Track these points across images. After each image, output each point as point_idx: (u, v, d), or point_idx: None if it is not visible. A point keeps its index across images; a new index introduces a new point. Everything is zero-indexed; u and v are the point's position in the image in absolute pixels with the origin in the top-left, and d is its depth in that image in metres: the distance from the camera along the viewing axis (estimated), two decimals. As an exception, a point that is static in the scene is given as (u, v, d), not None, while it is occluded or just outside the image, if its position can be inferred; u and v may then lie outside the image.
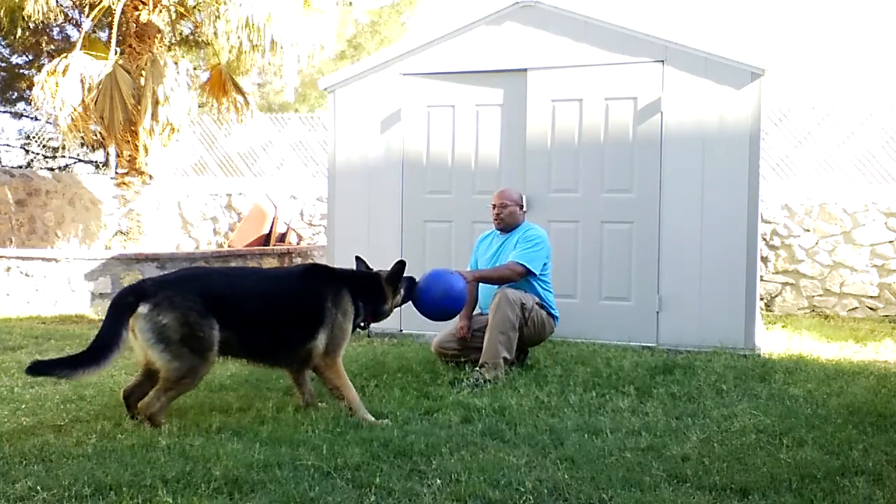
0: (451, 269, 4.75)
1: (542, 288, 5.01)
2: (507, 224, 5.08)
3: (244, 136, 11.49)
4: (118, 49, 9.36)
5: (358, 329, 4.08)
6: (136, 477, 2.91)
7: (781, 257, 8.49)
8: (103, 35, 10.72)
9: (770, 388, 4.47)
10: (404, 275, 4.20)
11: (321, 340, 3.78)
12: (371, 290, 4.10)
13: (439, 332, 5.15)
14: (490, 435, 3.53)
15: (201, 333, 3.49)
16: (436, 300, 4.32)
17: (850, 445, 3.33)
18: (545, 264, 4.98)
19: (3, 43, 13.66)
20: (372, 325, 4.17)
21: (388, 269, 4.17)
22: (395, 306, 4.23)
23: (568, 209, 6.23)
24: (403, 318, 6.58)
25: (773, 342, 6.25)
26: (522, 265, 4.83)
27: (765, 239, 8.44)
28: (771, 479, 2.93)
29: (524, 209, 5.18)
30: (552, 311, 5.04)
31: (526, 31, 6.28)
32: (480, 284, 4.98)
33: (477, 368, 4.63)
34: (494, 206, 5.09)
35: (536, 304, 4.90)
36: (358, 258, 4.40)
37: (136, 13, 9.25)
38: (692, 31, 7.30)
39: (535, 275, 4.86)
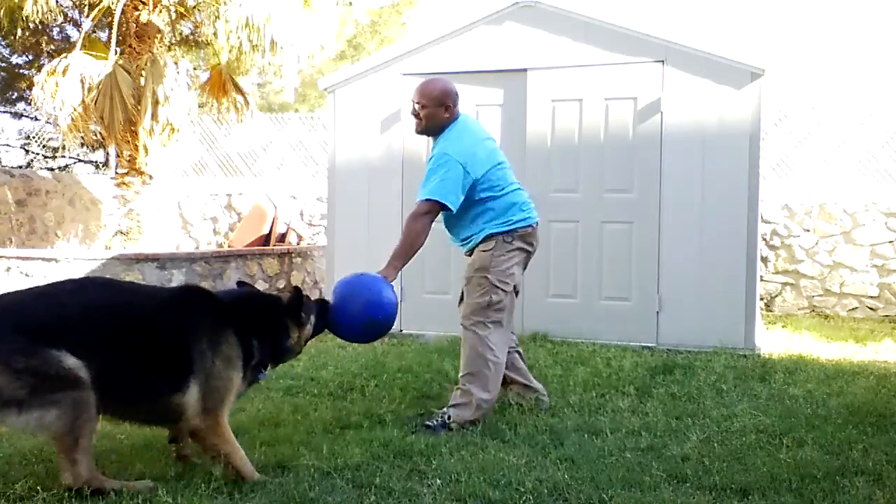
0: (363, 273, 3.66)
1: (492, 202, 3.87)
2: (426, 128, 4.01)
3: (244, 136, 11.48)
4: (118, 49, 9.35)
5: (255, 382, 3.18)
6: (137, 477, 2.92)
7: (781, 257, 8.49)
8: (103, 35, 10.70)
9: (770, 388, 4.47)
10: (310, 301, 3.33)
11: (192, 395, 2.84)
12: (268, 322, 3.13)
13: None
14: (490, 435, 3.54)
15: (52, 370, 2.64)
16: (360, 318, 3.39)
17: (850, 445, 3.33)
18: (480, 178, 3.82)
19: (3, 43, 13.66)
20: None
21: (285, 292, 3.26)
22: (305, 340, 3.29)
23: (568, 209, 6.22)
24: (403, 318, 6.58)
25: (773, 342, 6.25)
26: (430, 202, 3.75)
27: (765, 239, 8.43)
28: (771, 479, 2.93)
29: (451, 106, 3.96)
30: (509, 227, 3.88)
31: (526, 31, 6.28)
32: (442, 217, 3.92)
33: (446, 408, 3.81)
34: (413, 102, 4.00)
35: (491, 257, 3.83)
36: (240, 283, 3.47)
37: (136, 13, 9.24)
38: (692, 31, 7.30)
39: (450, 210, 3.77)
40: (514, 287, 3.92)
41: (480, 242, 3.89)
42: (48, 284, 3.07)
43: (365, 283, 3.50)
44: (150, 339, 2.87)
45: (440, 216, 3.88)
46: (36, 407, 2.62)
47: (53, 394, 2.63)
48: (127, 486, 2.77)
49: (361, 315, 3.39)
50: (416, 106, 3.97)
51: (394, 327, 6.67)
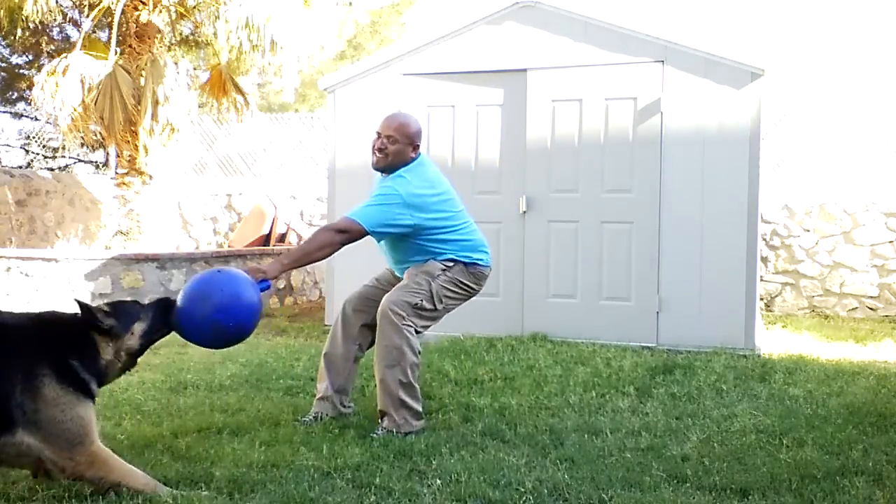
0: (222, 269, 3.29)
1: (442, 240, 3.71)
2: (390, 165, 3.72)
3: (244, 136, 11.48)
4: (118, 49, 9.35)
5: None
6: (136, 477, 2.91)
7: (781, 257, 8.49)
8: (103, 35, 10.71)
9: (770, 388, 4.47)
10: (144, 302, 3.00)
11: (34, 443, 2.54)
12: (75, 341, 2.72)
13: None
14: (490, 435, 3.53)
15: None
16: (208, 322, 2.95)
17: (850, 445, 3.33)
18: (429, 226, 3.65)
19: (3, 43, 13.66)
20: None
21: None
22: (136, 352, 2.87)
23: (568, 209, 6.22)
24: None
25: (773, 342, 6.25)
26: (352, 221, 3.54)
27: (765, 239, 8.43)
28: (771, 479, 2.93)
29: (418, 146, 3.83)
30: (469, 258, 3.75)
31: (526, 31, 6.28)
32: (384, 244, 3.79)
33: (378, 421, 3.64)
34: (379, 135, 3.75)
35: (441, 270, 3.68)
36: (80, 302, 2.82)
37: (136, 13, 9.24)
38: (692, 32, 7.30)
39: (366, 233, 3.55)
40: (441, 313, 3.71)
41: (434, 259, 3.70)
42: None
43: (218, 283, 3.04)
44: None
45: (387, 253, 3.79)
46: None
47: None
48: None
49: (208, 319, 2.94)
50: (385, 140, 3.70)
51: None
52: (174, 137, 9.31)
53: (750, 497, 2.79)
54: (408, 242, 3.70)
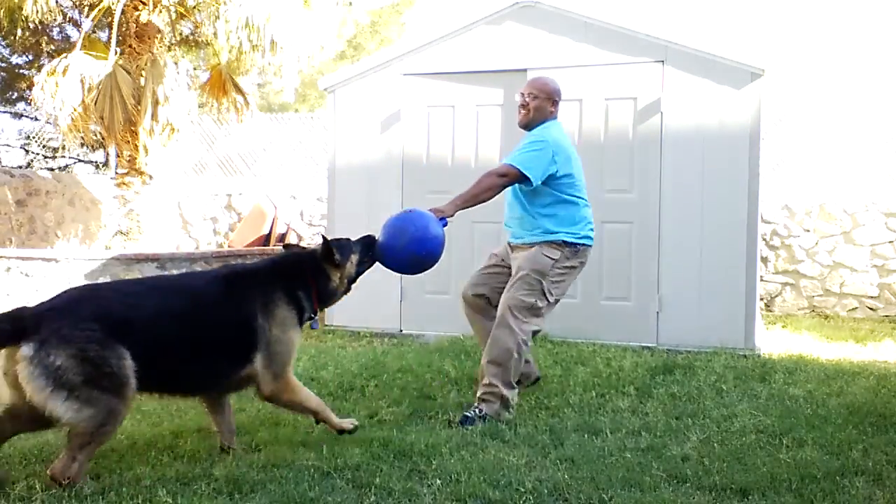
0: (413, 209, 3.89)
1: (563, 206, 4.04)
2: (532, 120, 4.17)
3: (244, 136, 11.48)
4: (118, 49, 9.35)
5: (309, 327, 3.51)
6: (136, 477, 2.92)
7: (781, 257, 8.49)
8: (103, 35, 10.71)
9: (770, 388, 4.47)
10: (359, 237, 3.65)
11: (259, 364, 3.14)
12: (308, 275, 3.42)
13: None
14: (490, 435, 3.54)
15: (109, 368, 2.77)
16: (403, 252, 3.61)
17: (850, 445, 3.33)
18: (563, 174, 4.02)
19: (3, 43, 13.66)
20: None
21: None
22: (352, 278, 3.57)
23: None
24: (403, 318, 6.59)
25: (773, 342, 6.25)
26: (511, 166, 3.95)
27: (765, 239, 8.43)
28: (771, 479, 2.93)
29: (557, 103, 4.25)
30: (578, 240, 4.06)
31: (526, 31, 6.28)
32: (507, 205, 4.21)
33: (475, 404, 3.92)
34: (522, 94, 4.21)
35: (551, 264, 3.99)
36: (287, 246, 3.81)
37: (136, 13, 9.24)
38: (692, 32, 7.30)
39: (529, 181, 3.93)
40: (554, 304, 4.08)
41: (546, 245, 4.02)
42: (123, 281, 3.49)
43: (411, 220, 3.70)
44: (216, 323, 3.13)
45: (514, 204, 4.12)
46: (81, 398, 2.70)
47: (101, 392, 2.74)
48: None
49: (405, 250, 3.60)
50: (527, 97, 4.16)
51: (394, 327, 6.68)
52: (174, 137, 9.32)
53: (750, 497, 2.80)
54: (534, 206, 4.05)
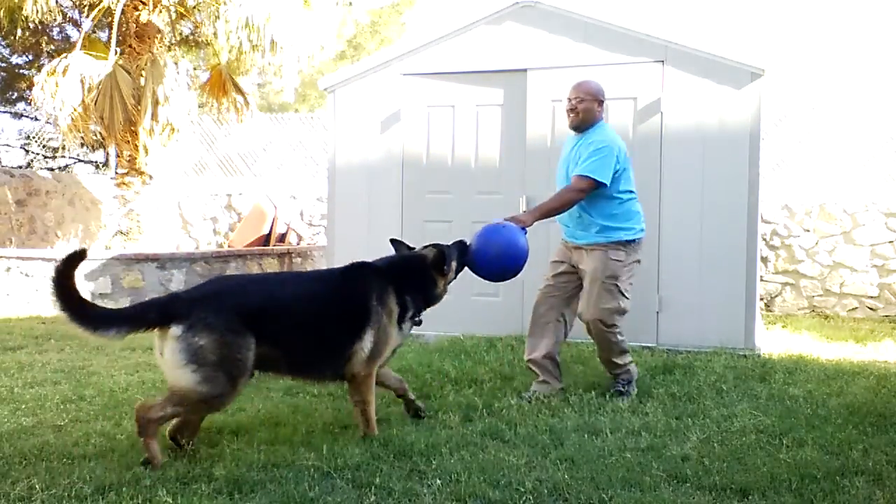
0: (503, 220, 4.16)
1: (618, 204, 4.36)
2: (582, 122, 4.44)
3: (244, 136, 11.49)
4: (118, 49, 9.36)
5: (412, 326, 3.80)
6: (136, 477, 2.92)
7: (781, 257, 8.49)
8: (103, 35, 10.71)
9: (770, 388, 4.47)
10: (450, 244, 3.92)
11: (367, 343, 3.47)
12: (418, 279, 3.77)
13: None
14: (490, 435, 3.54)
15: (239, 356, 3.18)
16: (493, 262, 3.92)
17: (850, 445, 3.33)
18: (621, 171, 4.33)
19: (3, 43, 13.66)
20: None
21: (431, 246, 3.85)
22: (449, 282, 3.92)
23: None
24: (403, 318, 6.58)
25: (773, 342, 6.25)
26: (586, 177, 4.23)
27: (765, 239, 8.43)
28: (771, 479, 2.93)
29: (602, 102, 4.54)
30: (635, 236, 4.41)
31: (526, 31, 6.28)
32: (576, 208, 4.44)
33: (615, 383, 4.41)
34: (570, 100, 4.46)
35: (619, 265, 4.32)
36: (394, 241, 4.07)
37: (136, 13, 9.24)
38: (692, 31, 7.30)
39: (605, 185, 4.23)
40: (630, 297, 4.41)
41: (610, 248, 4.32)
42: (261, 275, 3.80)
43: (497, 230, 4.01)
44: (339, 308, 3.52)
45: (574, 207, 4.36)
46: (208, 372, 3.10)
47: (225, 373, 3.13)
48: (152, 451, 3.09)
49: (496, 260, 3.93)
50: (574, 101, 4.42)
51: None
52: (174, 137, 9.32)
53: (750, 497, 2.80)
54: (592, 206, 4.32)
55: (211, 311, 3.17)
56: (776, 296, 8.49)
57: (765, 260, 8.45)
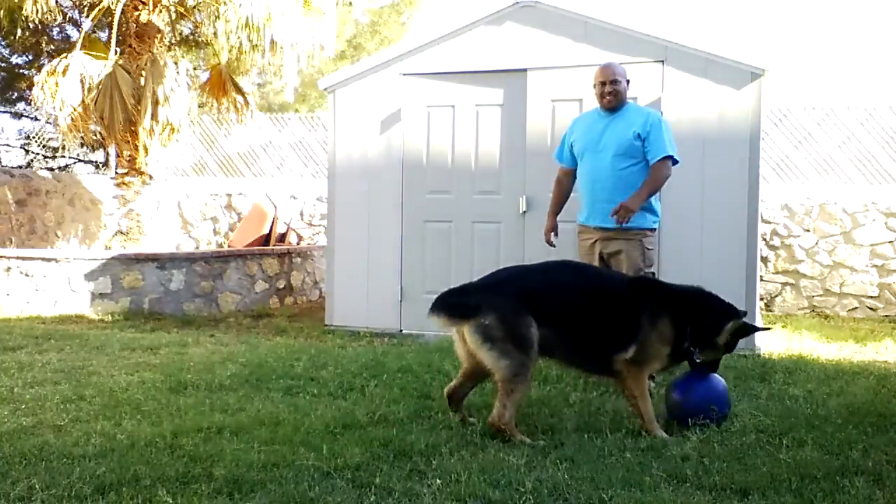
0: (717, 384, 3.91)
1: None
2: (620, 102, 4.60)
3: (244, 136, 11.48)
4: (118, 49, 9.35)
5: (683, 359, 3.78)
6: (136, 477, 2.92)
7: (781, 257, 8.49)
8: (103, 35, 10.70)
9: (770, 388, 4.47)
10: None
11: (629, 354, 3.63)
12: (706, 320, 3.75)
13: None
14: (490, 435, 3.53)
15: (521, 331, 3.53)
16: (712, 397, 3.80)
17: (850, 445, 3.33)
18: None
19: (3, 43, 13.65)
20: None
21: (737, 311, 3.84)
22: (718, 347, 3.79)
23: (568, 209, 6.20)
24: (403, 318, 6.59)
25: (773, 342, 6.24)
26: (666, 158, 4.49)
27: (765, 239, 8.43)
28: (771, 479, 2.93)
29: (628, 83, 4.71)
30: (657, 224, 4.69)
31: (526, 31, 6.28)
32: (585, 190, 4.71)
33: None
34: (604, 83, 4.57)
35: (644, 254, 4.55)
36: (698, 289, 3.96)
37: (136, 13, 9.24)
38: (692, 31, 7.30)
39: (678, 162, 4.57)
40: None
41: (646, 237, 4.54)
42: (541, 264, 4.16)
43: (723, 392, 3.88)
44: (611, 312, 3.74)
45: (614, 190, 4.49)
46: (499, 349, 3.50)
47: (514, 347, 3.51)
48: (524, 441, 3.43)
49: (707, 404, 3.75)
50: (609, 84, 4.55)
51: (394, 327, 6.68)
52: (174, 137, 9.32)
53: (750, 497, 2.79)
54: (633, 181, 4.49)
55: (495, 295, 3.65)
56: (776, 296, 8.49)
57: (765, 260, 8.45)
